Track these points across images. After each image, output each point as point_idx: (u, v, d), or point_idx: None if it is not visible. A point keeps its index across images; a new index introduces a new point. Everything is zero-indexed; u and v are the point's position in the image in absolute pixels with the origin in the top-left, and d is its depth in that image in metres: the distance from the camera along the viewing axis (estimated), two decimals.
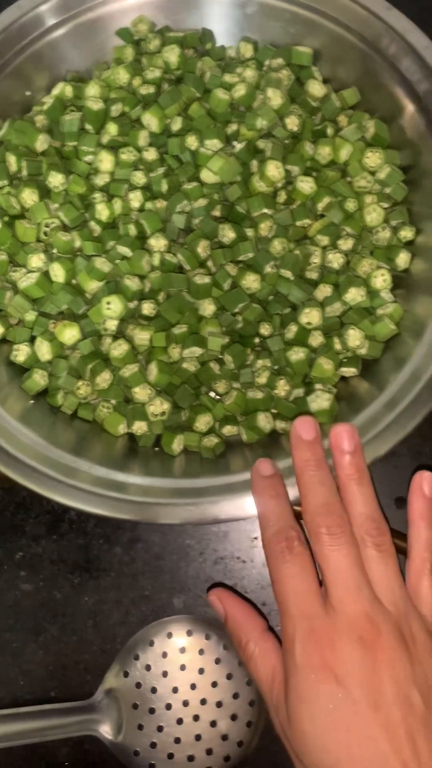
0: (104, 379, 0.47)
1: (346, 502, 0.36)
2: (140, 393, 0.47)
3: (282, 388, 0.46)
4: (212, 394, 0.48)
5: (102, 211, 0.50)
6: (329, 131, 0.51)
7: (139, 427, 0.47)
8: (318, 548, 0.34)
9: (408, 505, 0.37)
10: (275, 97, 0.50)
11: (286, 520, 0.36)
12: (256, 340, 0.48)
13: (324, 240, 0.49)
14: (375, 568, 0.34)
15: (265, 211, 0.49)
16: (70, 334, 0.48)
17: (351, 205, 0.50)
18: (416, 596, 0.34)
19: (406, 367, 0.45)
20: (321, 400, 0.46)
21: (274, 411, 0.47)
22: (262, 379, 0.46)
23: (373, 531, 0.34)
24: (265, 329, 0.48)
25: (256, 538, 0.49)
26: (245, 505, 0.41)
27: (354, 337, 0.47)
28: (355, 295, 0.48)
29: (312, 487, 0.36)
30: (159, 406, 0.47)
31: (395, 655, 0.31)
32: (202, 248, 0.48)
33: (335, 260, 0.49)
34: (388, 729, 0.29)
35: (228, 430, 0.47)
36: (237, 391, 0.47)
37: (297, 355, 0.47)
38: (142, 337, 0.47)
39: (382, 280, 0.48)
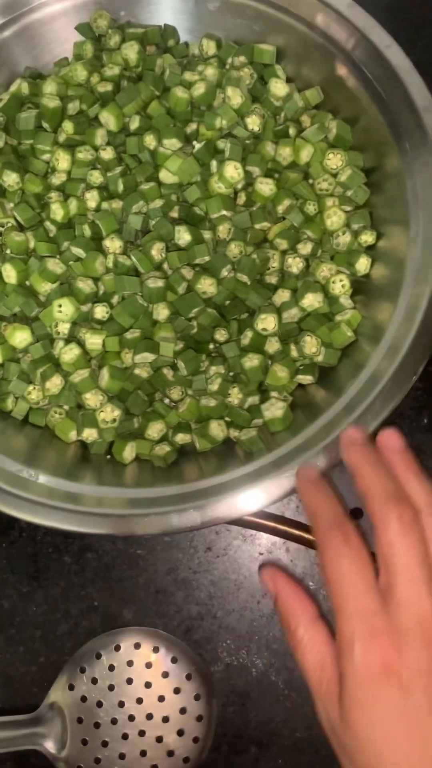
0: (55, 384, 0.46)
1: (408, 494, 0.32)
2: (91, 399, 0.46)
3: (235, 395, 0.45)
4: (166, 401, 0.47)
5: (57, 211, 0.49)
6: (291, 131, 0.50)
7: (90, 434, 0.46)
8: (384, 538, 0.30)
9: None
10: (235, 96, 0.49)
11: (340, 513, 0.32)
12: (212, 346, 0.47)
13: (283, 244, 0.48)
14: None
15: (224, 213, 0.48)
16: (21, 337, 0.47)
17: (311, 207, 0.49)
18: None
19: (363, 372, 0.44)
20: (275, 409, 0.45)
21: (227, 419, 0.46)
22: (215, 386, 0.45)
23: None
24: (220, 335, 0.47)
25: (209, 549, 0.48)
26: (197, 516, 0.40)
27: (310, 344, 0.46)
28: (312, 301, 0.46)
29: (375, 478, 0.32)
30: (110, 413, 0.45)
31: None
32: (157, 250, 0.47)
33: (294, 264, 0.48)
34: None
35: (181, 437, 0.46)
36: (190, 398, 0.46)
37: (251, 362, 0.45)
38: (94, 341, 0.46)
39: (340, 285, 0.47)
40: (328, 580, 0.31)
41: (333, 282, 0.47)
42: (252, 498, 0.41)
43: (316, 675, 0.31)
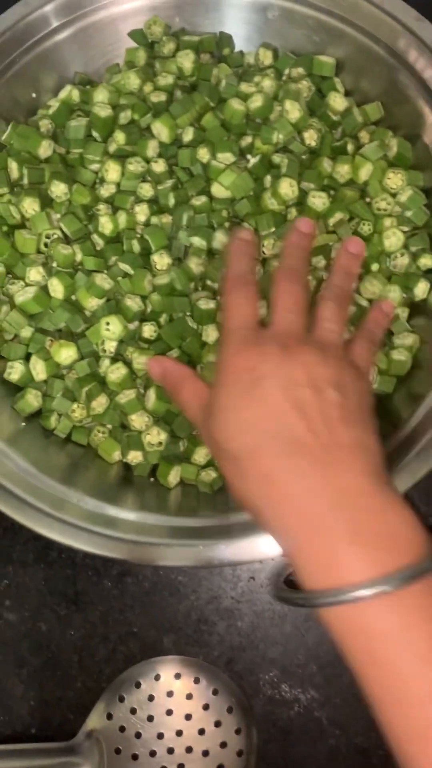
0: (100, 403, 0.45)
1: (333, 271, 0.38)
2: (137, 421, 0.44)
3: None
4: None
5: (105, 224, 0.47)
6: (349, 148, 0.48)
7: (135, 456, 0.45)
8: (274, 287, 0.36)
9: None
10: (293, 110, 0.47)
11: (248, 267, 0.37)
12: None
13: (321, 260, 0.46)
14: (325, 311, 0.36)
15: (274, 230, 0.46)
16: (66, 354, 0.45)
17: (366, 227, 0.47)
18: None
19: (423, 404, 0.42)
20: None
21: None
22: None
23: (343, 298, 0.37)
24: None
25: (252, 578, 0.46)
26: (243, 551, 0.39)
27: None
28: None
29: (288, 258, 0.37)
30: (156, 436, 0.44)
31: (314, 359, 0.32)
32: (195, 264, 0.45)
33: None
34: (298, 405, 0.31)
35: None
36: None
37: None
38: (141, 361, 0.45)
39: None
40: (222, 308, 0.36)
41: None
42: None
43: (194, 403, 0.36)
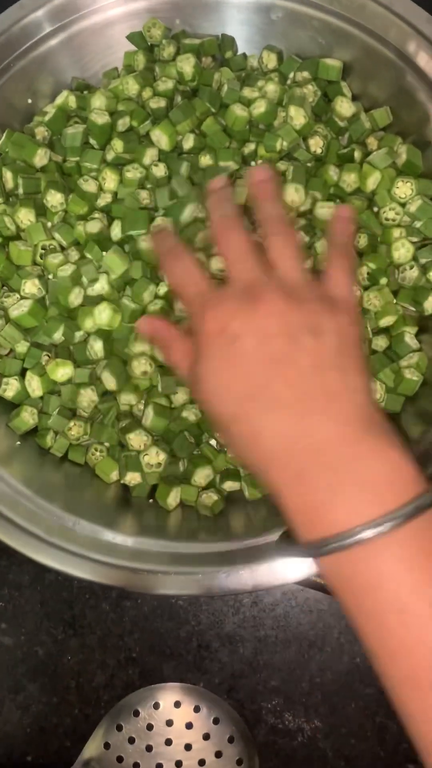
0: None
1: (263, 213, 0.35)
2: (135, 440, 0.43)
3: None
4: (213, 442, 0.44)
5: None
6: (357, 155, 0.46)
7: (133, 477, 0.43)
8: (217, 243, 0.35)
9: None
10: (298, 116, 0.45)
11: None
12: None
13: None
14: (274, 249, 0.34)
15: None
16: (62, 371, 0.44)
17: (362, 240, 0.45)
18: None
19: None
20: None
21: None
22: None
23: (281, 224, 0.35)
24: None
25: (255, 603, 0.45)
26: (244, 580, 0.37)
27: (373, 390, 0.43)
28: (375, 340, 0.43)
29: (215, 210, 0.36)
30: (155, 457, 0.43)
31: (282, 307, 0.31)
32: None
33: None
34: (273, 358, 0.30)
35: (229, 485, 0.43)
36: None
37: None
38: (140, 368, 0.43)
39: (391, 320, 0.44)
40: (171, 285, 0.36)
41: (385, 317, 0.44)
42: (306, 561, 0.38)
43: (182, 363, 0.35)
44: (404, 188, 0.45)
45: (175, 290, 0.35)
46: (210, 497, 0.43)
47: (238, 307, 0.32)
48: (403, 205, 0.46)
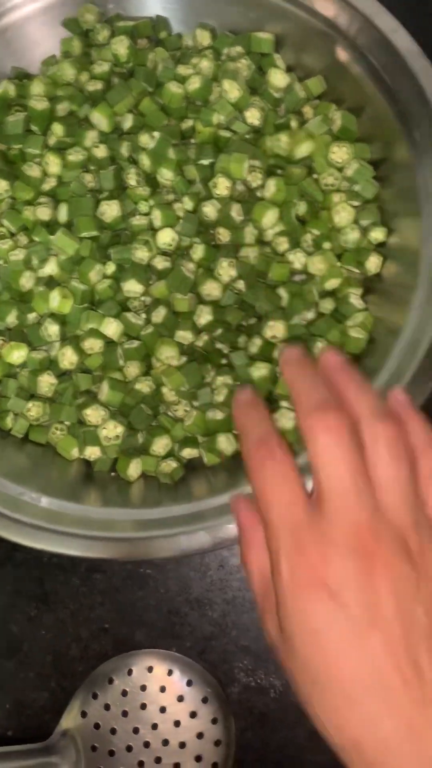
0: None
1: (344, 400, 0.30)
2: (92, 415, 0.44)
3: None
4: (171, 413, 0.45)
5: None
6: (294, 124, 0.47)
7: (92, 452, 0.44)
8: (312, 449, 0.28)
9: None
10: (232, 90, 0.46)
11: (267, 428, 0.31)
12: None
13: (283, 243, 0.45)
14: (381, 469, 0.28)
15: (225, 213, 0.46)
16: (18, 354, 0.45)
17: (302, 208, 0.46)
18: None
19: (379, 376, 0.42)
20: (285, 419, 0.43)
21: (236, 432, 0.44)
22: (221, 398, 0.43)
23: (382, 424, 0.28)
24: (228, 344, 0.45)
25: (221, 566, 0.46)
26: (207, 538, 0.38)
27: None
28: (322, 303, 0.44)
29: (305, 389, 0.30)
30: (112, 430, 0.44)
31: (397, 568, 0.27)
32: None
33: (297, 260, 0.45)
34: (387, 646, 0.26)
35: (188, 452, 0.44)
36: (197, 411, 0.44)
37: (260, 371, 0.43)
38: (91, 346, 0.44)
39: (336, 282, 0.45)
40: (256, 496, 0.29)
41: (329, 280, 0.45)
42: None
43: (259, 593, 0.30)
44: (340, 153, 0.46)
45: (257, 496, 0.29)
46: (169, 465, 0.43)
47: (344, 561, 0.26)
48: (340, 169, 0.47)
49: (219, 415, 0.43)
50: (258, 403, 0.33)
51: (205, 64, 0.48)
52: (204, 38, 0.50)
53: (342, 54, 0.47)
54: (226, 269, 0.44)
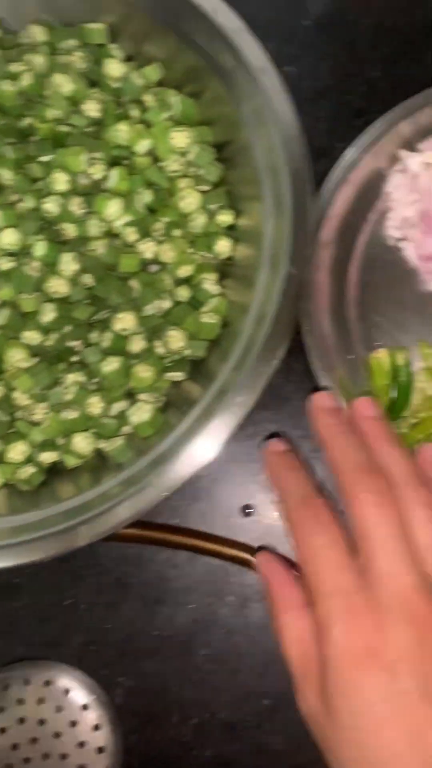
0: None
1: (381, 464, 0.30)
2: None
3: (96, 404, 0.42)
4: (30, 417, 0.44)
5: None
6: (135, 113, 0.47)
7: None
8: (357, 512, 0.28)
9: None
10: (65, 83, 0.45)
11: (308, 488, 0.31)
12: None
13: (132, 233, 0.45)
14: (423, 533, 0.28)
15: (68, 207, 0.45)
16: None
17: (160, 193, 0.45)
18: None
19: (231, 356, 0.41)
20: (141, 413, 0.42)
21: (95, 430, 0.43)
22: (70, 396, 0.42)
23: (420, 489, 0.29)
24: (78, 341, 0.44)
25: (95, 568, 0.45)
26: (77, 536, 0.37)
27: (176, 338, 0.43)
28: (178, 291, 0.44)
29: (345, 449, 0.30)
30: None
31: None
32: None
33: (148, 250, 0.45)
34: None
35: (47, 456, 0.43)
36: (52, 413, 0.43)
37: (110, 365, 0.42)
38: None
39: (189, 269, 0.44)
40: (302, 560, 0.29)
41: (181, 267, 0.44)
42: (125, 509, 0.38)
43: (297, 661, 0.29)
44: (180, 138, 0.46)
45: (303, 559, 0.29)
46: (26, 471, 0.42)
47: (400, 631, 0.26)
48: (183, 154, 0.46)
49: (72, 414, 0.42)
50: (293, 457, 0.33)
51: (38, 60, 0.47)
52: (39, 34, 0.49)
53: (177, 38, 0.46)
54: (68, 263, 0.43)
